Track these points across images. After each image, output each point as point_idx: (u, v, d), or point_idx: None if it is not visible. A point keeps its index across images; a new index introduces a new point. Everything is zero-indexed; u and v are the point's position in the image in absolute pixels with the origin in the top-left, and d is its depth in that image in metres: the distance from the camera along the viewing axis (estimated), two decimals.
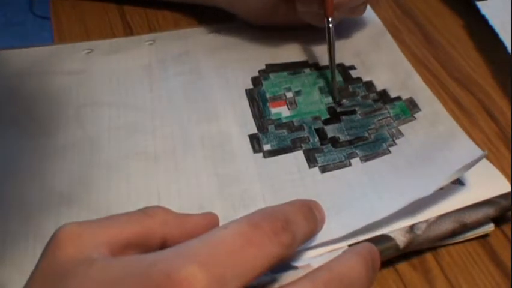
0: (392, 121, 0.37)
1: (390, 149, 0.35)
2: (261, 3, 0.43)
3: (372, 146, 0.36)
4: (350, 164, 0.35)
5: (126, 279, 0.20)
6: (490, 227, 0.32)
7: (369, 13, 0.46)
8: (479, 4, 0.46)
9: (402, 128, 0.37)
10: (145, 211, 0.25)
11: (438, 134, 0.36)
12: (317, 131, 0.37)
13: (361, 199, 0.32)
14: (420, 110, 0.38)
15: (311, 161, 0.35)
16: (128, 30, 0.46)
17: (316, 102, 0.39)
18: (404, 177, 0.33)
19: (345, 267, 0.25)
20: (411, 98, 0.39)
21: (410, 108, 0.38)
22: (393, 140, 0.36)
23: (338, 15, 0.41)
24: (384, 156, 0.35)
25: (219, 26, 0.45)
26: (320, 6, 0.39)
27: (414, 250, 0.31)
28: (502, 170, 0.34)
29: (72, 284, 0.21)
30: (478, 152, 0.33)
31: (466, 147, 0.34)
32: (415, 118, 0.37)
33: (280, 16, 0.43)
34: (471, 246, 0.32)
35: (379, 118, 0.38)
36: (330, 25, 0.39)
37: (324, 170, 0.35)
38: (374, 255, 0.27)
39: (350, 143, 0.36)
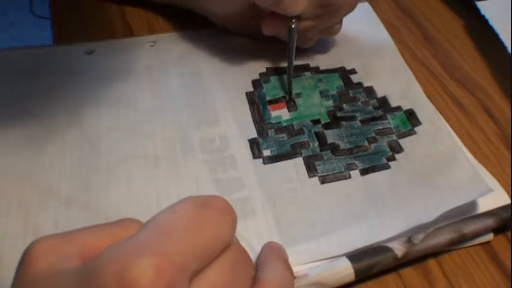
0: (392, 132, 0.37)
1: (390, 163, 0.35)
2: (229, 9, 0.42)
3: (372, 158, 0.36)
4: (350, 176, 0.34)
5: (82, 286, 0.20)
6: (489, 236, 0.32)
7: (371, 16, 0.46)
8: (479, 4, 0.46)
9: (402, 141, 0.36)
10: (119, 223, 0.23)
11: (438, 153, 0.35)
12: (317, 134, 0.37)
13: (360, 216, 0.32)
14: (420, 123, 0.37)
15: (311, 169, 0.35)
16: (129, 32, 0.46)
17: (317, 105, 0.39)
18: (404, 197, 0.33)
19: (280, 278, 0.26)
20: (411, 109, 0.38)
21: (410, 120, 0.38)
22: (393, 155, 0.36)
23: (311, 36, 0.40)
24: (384, 171, 0.35)
25: (219, 28, 0.45)
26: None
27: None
28: (502, 170, 0.34)
29: None
30: (482, 184, 0.32)
31: (469, 177, 0.33)
32: (415, 132, 0.37)
33: (251, 24, 0.41)
34: (472, 248, 0.32)
35: (379, 127, 0.37)
36: (293, 26, 0.37)
37: (324, 180, 0.34)
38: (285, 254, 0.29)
39: (349, 151, 0.36)
